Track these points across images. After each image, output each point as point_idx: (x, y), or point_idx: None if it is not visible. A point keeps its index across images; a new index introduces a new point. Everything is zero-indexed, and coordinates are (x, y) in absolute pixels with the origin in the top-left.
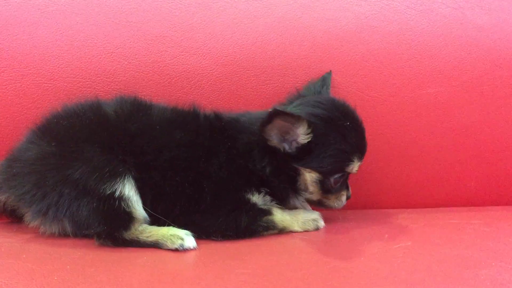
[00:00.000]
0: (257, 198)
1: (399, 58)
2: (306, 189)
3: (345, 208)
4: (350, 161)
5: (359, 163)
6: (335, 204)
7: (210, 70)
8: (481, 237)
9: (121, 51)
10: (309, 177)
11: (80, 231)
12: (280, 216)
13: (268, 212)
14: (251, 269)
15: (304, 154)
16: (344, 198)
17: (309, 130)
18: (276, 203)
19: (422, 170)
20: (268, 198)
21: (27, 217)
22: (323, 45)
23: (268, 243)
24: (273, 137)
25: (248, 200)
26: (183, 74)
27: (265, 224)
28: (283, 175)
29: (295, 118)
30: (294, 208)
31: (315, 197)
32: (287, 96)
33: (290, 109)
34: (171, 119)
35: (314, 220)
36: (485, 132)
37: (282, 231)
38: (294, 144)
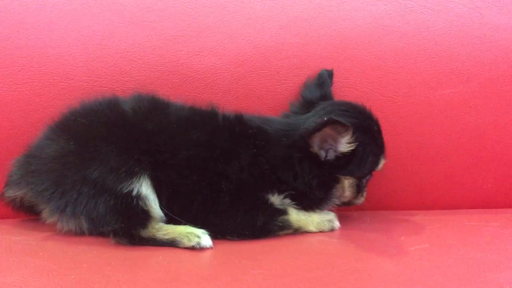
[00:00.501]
0: (275, 199)
1: (415, 59)
2: (343, 195)
3: (359, 209)
4: (380, 162)
5: (384, 161)
6: (360, 200)
7: (225, 70)
8: (498, 240)
9: (137, 50)
10: (348, 183)
11: (97, 228)
12: (295, 216)
13: (283, 212)
14: (266, 270)
15: (345, 162)
16: (365, 193)
17: (352, 139)
18: (294, 204)
19: (437, 171)
20: (287, 200)
21: (45, 213)
22: (338, 45)
23: (283, 243)
24: (315, 145)
25: (266, 200)
26: (198, 74)
27: (281, 224)
28: (323, 185)
29: (345, 128)
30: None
31: (347, 199)
32: (289, 102)
33: (314, 118)
34: (189, 118)
35: (329, 220)
36: (501, 133)
37: (297, 231)
38: (332, 153)
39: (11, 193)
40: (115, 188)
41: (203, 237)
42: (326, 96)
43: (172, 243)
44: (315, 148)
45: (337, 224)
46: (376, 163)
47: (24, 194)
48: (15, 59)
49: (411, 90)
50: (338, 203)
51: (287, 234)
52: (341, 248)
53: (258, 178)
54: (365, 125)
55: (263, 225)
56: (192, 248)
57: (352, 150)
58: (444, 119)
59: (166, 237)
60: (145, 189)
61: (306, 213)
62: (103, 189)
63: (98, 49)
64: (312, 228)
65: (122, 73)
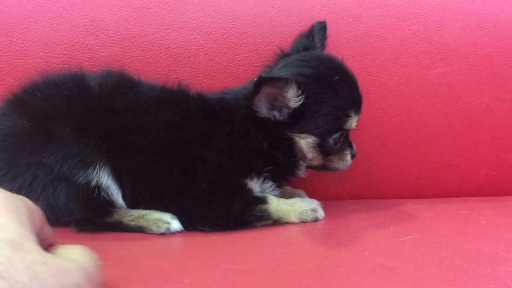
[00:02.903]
0: (254, 184)
1: (404, 34)
2: (304, 157)
3: (346, 197)
4: (347, 116)
5: (356, 117)
6: (339, 165)
7: (199, 46)
8: (495, 229)
9: (98, 24)
10: (305, 143)
11: (59, 218)
12: (275, 205)
13: (262, 201)
14: (240, 265)
15: (297, 119)
16: (348, 157)
17: (300, 92)
18: (277, 186)
19: (428, 157)
20: (268, 183)
21: None
22: (323, 19)
23: (261, 235)
24: (262, 108)
25: (244, 185)
26: (169, 50)
27: (259, 214)
28: (282, 147)
29: (283, 82)
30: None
31: (316, 162)
32: (272, 59)
33: (274, 72)
34: (160, 98)
35: (313, 210)
36: (497, 116)
37: (277, 222)
38: (286, 111)
39: None
40: (73, 177)
41: (172, 222)
42: (311, 48)
43: (139, 229)
44: (263, 111)
45: (321, 213)
46: (340, 118)
47: None
48: None
49: (400, 69)
50: (307, 164)
51: (266, 225)
52: (325, 239)
53: (237, 158)
54: (321, 75)
55: (240, 213)
56: (161, 234)
57: (303, 104)
58: (435, 100)
59: (133, 223)
60: (105, 179)
61: (288, 202)
62: (60, 176)
63: (56, 21)
64: (293, 218)
65: (82, 49)
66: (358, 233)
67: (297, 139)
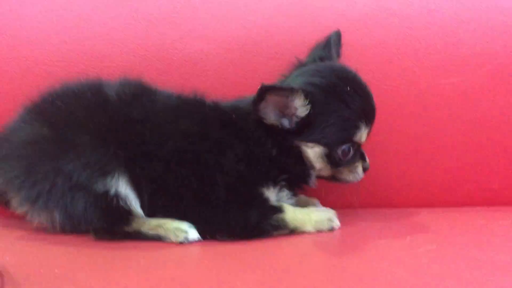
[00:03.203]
0: (271, 193)
1: (419, 44)
2: (313, 167)
3: (360, 206)
4: (356, 128)
5: (367, 131)
6: (350, 177)
7: (215, 55)
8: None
9: (117, 33)
10: (312, 152)
11: (76, 226)
12: (291, 215)
13: (279, 210)
14: (259, 274)
15: (305, 128)
16: (359, 169)
17: (307, 101)
18: (294, 195)
19: (442, 166)
20: (284, 192)
21: (15, 202)
22: (336, 29)
23: (278, 244)
24: (271, 115)
25: (261, 194)
26: (185, 59)
27: (276, 223)
28: (291, 155)
29: (288, 91)
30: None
31: (325, 173)
32: (288, 68)
33: (288, 81)
34: (177, 107)
35: (329, 219)
36: (510, 127)
37: (294, 231)
38: (294, 119)
39: None
40: (91, 185)
41: (190, 231)
42: (327, 58)
43: (157, 238)
44: (271, 117)
45: (337, 223)
46: (348, 129)
47: None
48: None
49: (414, 78)
50: (317, 174)
51: (282, 235)
52: (342, 250)
53: (252, 168)
54: (330, 85)
55: (257, 223)
56: (179, 243)
57: (310, 113)
58: (450, 110)
59: (151, 232)
60: (124, 188)
61: (303, 211)
62: (79, 184)
63: (74, 31)
64: (309, 228)
65: (100, 58)
66: (375, 243)
67: (304, 148)
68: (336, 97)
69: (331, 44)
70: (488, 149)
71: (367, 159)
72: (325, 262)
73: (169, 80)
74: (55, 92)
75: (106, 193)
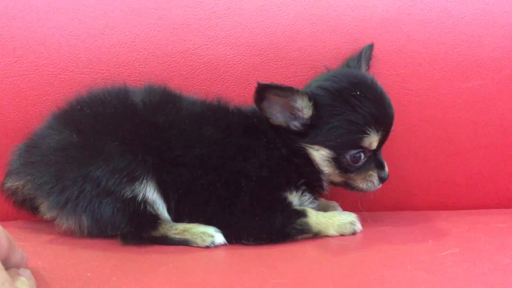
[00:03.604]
0: (293, 197)
1: (439, 49)
2: (321, 171)
3: (379, 209)
4: (363, 133)
5: (378, 137)
6: (364, 185)
7: (237, 61)
8: None
9: (141, 40)
10: (318, 155)
11: (104, 231)
12: (315, 219)
13: (302, 214)
14: (287, 279)
15: (311, 130)
16: (374, 178)
17: (310, 103)
18: (315, 198)
19: (461, 169)
20: (306, 196)
21: (44, 207)
22: (357, 35)
23: (303, 249)
24: (278, 116)
25: (285, 199)
26: (207, 65)
27: (300, 227)
28: (301, 157)
29: (286, 90)
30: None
31: (335, 178)
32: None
33: (308, 85)
34: (201, 114)
35: (351, 223)
36: None
37: (317, 235)
38: (300, 121)
39: (11, 183)
40: (119, 191)
41: (217, 236)
42: (355, 67)
43: (184, 243)
44: (278, 117)
45: (359, 226)
46: (354, 133)
47: (23, 185)
48: (10, 49)
49: (434, 83)
50: (328, 179)
51: (306, 239)
52: (366, 254)
53: (275, 173)
54: (339, 89)
55: (281, 227)
56: (206, 247)
57: (315, 115)
58: (469, 113)
59: (178, 236)
60: (152, 194)
61: (326, 215)
62: (107, 190)
63: (99, 39)
64: (332, 231)
65: (125, 65)
66: (398, 247)
67: (309, 150)
68: (343, 100)
69: (361, 56)
70: (507, 152)
71: (386, 169)
72: (349, 266)
73: (192, 86)
74: (82, 99)
75: (134, 198)
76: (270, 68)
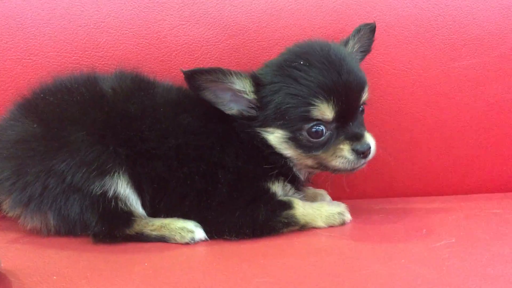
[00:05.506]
0: (276, 187)
1: (430, 26)
2: (284, 155)
3: (369, 196)
4: (309, 105)
5: (330, 107)
6: (337, 163)
7: (216, 42)
8: None
9: (112, 20)
10: (274, 138)
11: (72, 230)
12: (301, 210)
13: (288, 206)
14: (273, 278)
15: (260, 113)
16: (346, 152)
17: (251, 83)
18: (297, 188)
19: (453, 153)
20: (288, 186)
21: (6, 205)
22: (343, 13)
23: (289, 243)
24: (230, 105)
25: (267, 190)
26: (184, 47)
27: (285, 220)
28: (263, 145)
29: (218, 73)
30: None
31: (305, 161)
32: None
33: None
34: (177, 101)
35: (340, 213)
36: None
37: (304, 227)
38: (248, 104)
39: None
40: (87, 186)
41: (197, 231)
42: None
43: (162, 239)
44: (232, 107)
45: (348, 216)
46: (299, 106)
47: None
48: None
49: (425, 63)
50: (295, 163)
51: (292, 231)
52: (357, 247)
53: (251, 162)
54: (282, 63)
55: (265, 221)
56: (185, 244)
57: (260, 96)
58: (461, 94)
59: (155, 233)
60: (124, 188)
61: (314, 206)
62: (73, 185)
63: (66, 20)
64: (320, 223)
65: (95, 47)
66: (390, 238)
67: (264, 134)
68: (283, 74)
69: (352, 34)
70: (502, 133)
71: (364, 140)
72: (339, 261)
73: (168, 70)
74: (47, 88)
75: (104, 194)
76: (252, 49)
